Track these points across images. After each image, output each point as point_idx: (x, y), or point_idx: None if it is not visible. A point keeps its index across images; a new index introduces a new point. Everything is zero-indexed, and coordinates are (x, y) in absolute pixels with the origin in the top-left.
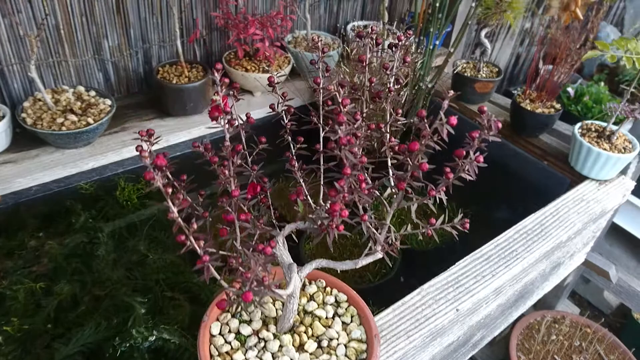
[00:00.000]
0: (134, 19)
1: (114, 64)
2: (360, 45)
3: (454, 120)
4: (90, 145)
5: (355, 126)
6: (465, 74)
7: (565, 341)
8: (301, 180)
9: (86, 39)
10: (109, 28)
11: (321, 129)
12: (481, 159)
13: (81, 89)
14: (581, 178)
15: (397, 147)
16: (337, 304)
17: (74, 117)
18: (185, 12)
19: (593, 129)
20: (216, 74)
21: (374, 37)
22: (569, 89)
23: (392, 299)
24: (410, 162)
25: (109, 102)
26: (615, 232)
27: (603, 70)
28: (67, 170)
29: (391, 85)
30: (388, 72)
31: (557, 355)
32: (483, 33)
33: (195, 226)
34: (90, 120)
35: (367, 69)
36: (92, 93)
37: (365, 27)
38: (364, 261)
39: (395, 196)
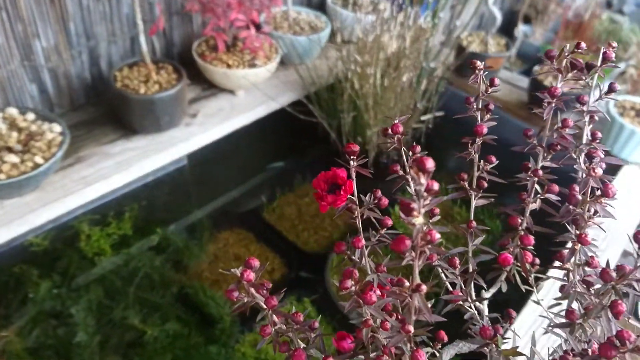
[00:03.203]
0: (73, 9)
1: (50, 71)
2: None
3: None
4: (40, 190)
5: None
6: (474, 50)
7: None
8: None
9: (10, 41)
10: (40, 24)
11: None
12: None
13: (13, 111)
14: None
15: None
16: None
17: (13, 158)
18: None
19: (628, 107)
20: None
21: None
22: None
23: None
24: None
25: (57, 127)
26: None
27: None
28: (13, 230)
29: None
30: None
31: None
32: (491, 0)
33: None
34: (38, 159)
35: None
36: (31, 116)
37: None
38: None
39: None
